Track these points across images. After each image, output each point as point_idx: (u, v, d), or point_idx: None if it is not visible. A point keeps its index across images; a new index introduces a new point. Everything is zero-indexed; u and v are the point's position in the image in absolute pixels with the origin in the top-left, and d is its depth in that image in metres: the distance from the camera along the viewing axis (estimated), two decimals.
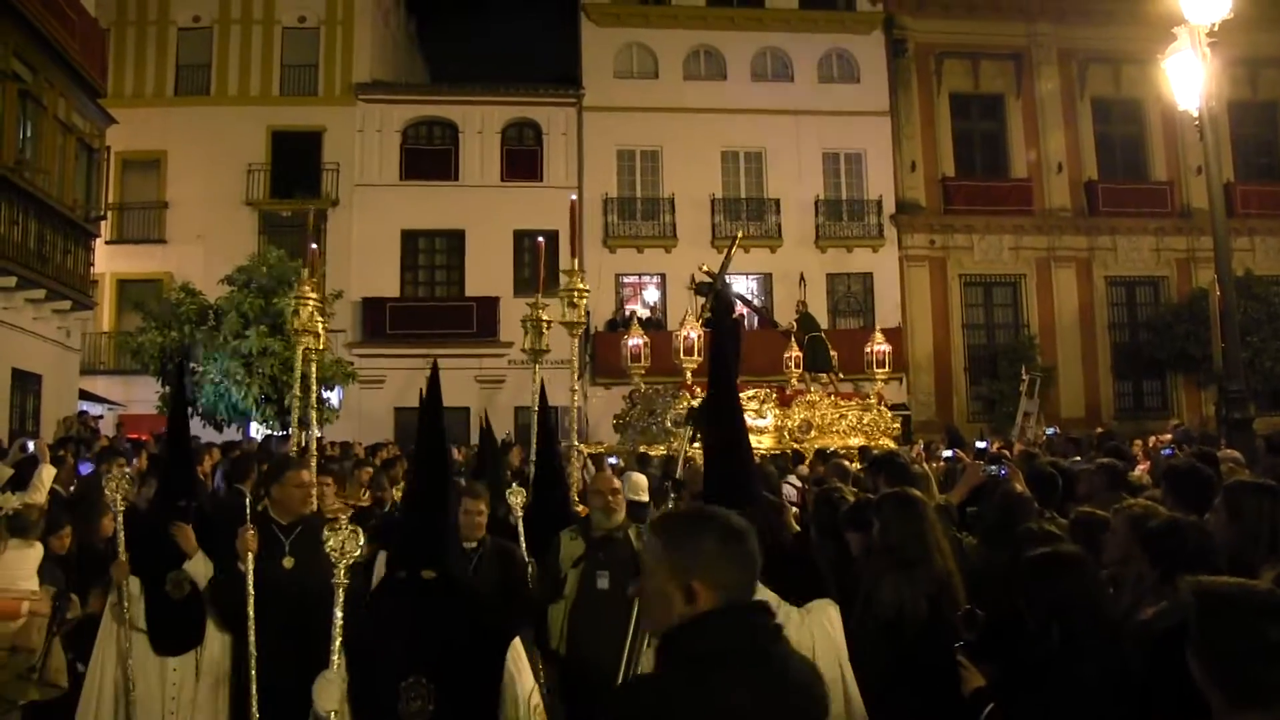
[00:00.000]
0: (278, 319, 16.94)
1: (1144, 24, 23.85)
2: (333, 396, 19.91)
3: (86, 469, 9.51)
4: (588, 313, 7.37)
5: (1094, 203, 27.74)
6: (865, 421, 14.65)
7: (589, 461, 9.94)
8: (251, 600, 4.47)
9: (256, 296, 18.10)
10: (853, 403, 14.91)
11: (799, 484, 9.09)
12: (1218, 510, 3.51)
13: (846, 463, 8.92)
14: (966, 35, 27.71)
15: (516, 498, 5.66)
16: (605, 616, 4.73)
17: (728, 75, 27.05)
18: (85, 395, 20.35)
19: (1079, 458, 10.71)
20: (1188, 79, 10.06)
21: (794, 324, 16.64)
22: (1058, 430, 19.78)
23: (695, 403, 13.52)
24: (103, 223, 20.69)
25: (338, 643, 3.03)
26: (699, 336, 14.14)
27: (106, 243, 22.45)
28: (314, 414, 7.19)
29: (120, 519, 4.84)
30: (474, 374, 24.33)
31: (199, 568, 4.79)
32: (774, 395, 14.26)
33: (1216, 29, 9.35)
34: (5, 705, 5.06)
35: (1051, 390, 25.75)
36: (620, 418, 15.17)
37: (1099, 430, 17.02)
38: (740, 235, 19.06)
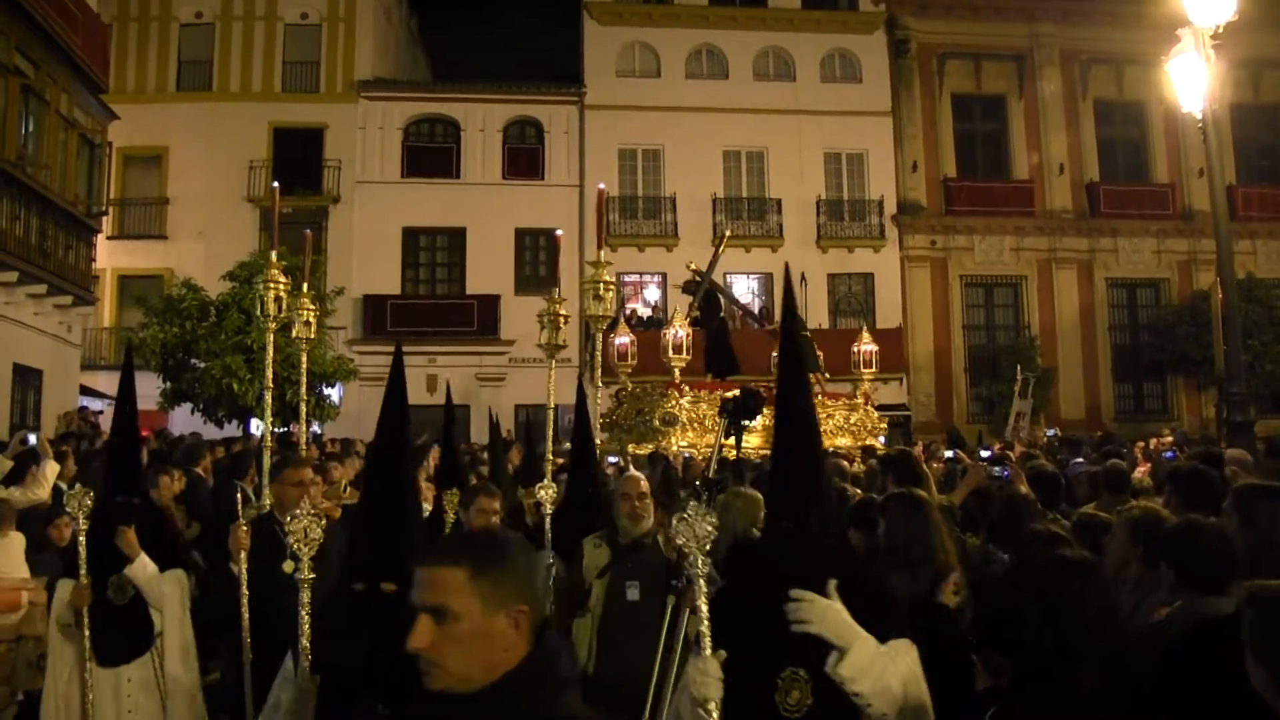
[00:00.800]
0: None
1: (1146, 26, 23.89)
2: (333, 393, 19.89)
3: None
4: (622, 304, 6.97)
5: (1095, 204, 27.73)
6: (852, 421, 14.60)
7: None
8: (246, 602, 4.24)
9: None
10: (839, 403, 14.86)
11: None
12: (1228, 514, 3.48)
13: (845, 463, 8.93)
14: (969, 36, 27.71)
15: (546, 492, 5.33)
16: (635, 631, 4.35)
17: (730, 75, 27.04)
18: (86, 391, 20.35)
19: (1080, 459, 10.73)
20: (1191, 81, 10.05)
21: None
22: (1058, 432, 19.81)
23: (683, 402, 13.47)
24: (104, 218, 20.68)
25: (304, 643, 2.83)
26: (687, 335, 14.03)
27: (108, 238, 22.43)
28: (303, 408, 7.01)
29: (84, 537, 4.43)
30: (474, 372, 24.35)
31: (142, 571, 4.57)
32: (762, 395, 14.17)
33: (1221, 31, 9.34)
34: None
35: (1052, 392, 25.78)
36: (607, 416, 15.01)
37: (1099, 433, 17.04)
38: (729, 234, 18.98)
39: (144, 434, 15.84)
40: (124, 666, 4.64)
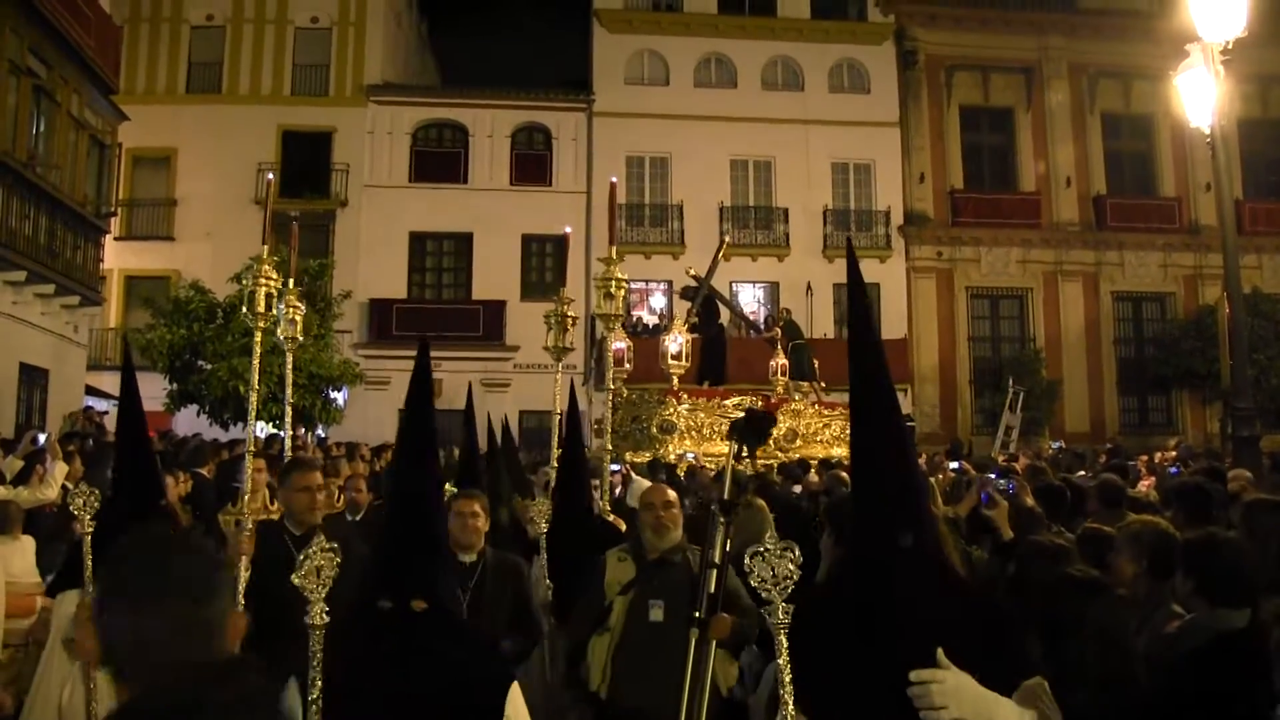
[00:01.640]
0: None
1: (1154, 40, 23.93)
2: (339, 397, 19.92)
3: None
4: (629, 310, 6.41)
5: (1102, 217, 27.72)
6: (849, 432, 14.54)
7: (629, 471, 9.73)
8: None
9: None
10: (836, 411, 14.84)
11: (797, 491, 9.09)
12: (1235, 528, 3.50)
13: (845, 474, 8.92)
14: (977, 48, 27.74)
15: (540, 510, 5.03)
16: (657, 655, 3.94)
17: (738, 83, 27.09)
18: (91, 391, 20.38)
19: (1083, 472, 10.73)
20: (1200, 96, 10.06)
21: (778, 332, 16.58)
22: (1062, 444, 19.79)
23: (681, 409, 13.42)
24: (112, 219, 20.75)
25: (314, 695, 2.34)
26: (686, 342, 14.01)
27: (115, 239, 22.52)
28: (288, 410, 6.61)
29: (88, 542, 4.08)
30: (479, 377, 24.35)
31: None
32: (760, 403, 14.22)
33: (1230, 46, 9.35)
34: None
35: (1056, 405, 25.76)
36: (602, 423, 14.86)
37: (1107, 445, 17.02)
38: (728, 240, 18.90)
39: (150, 435, 15.91)
40: None
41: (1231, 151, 9.87)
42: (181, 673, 1.51)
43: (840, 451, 13.82)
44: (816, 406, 14.95)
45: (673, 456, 12.36)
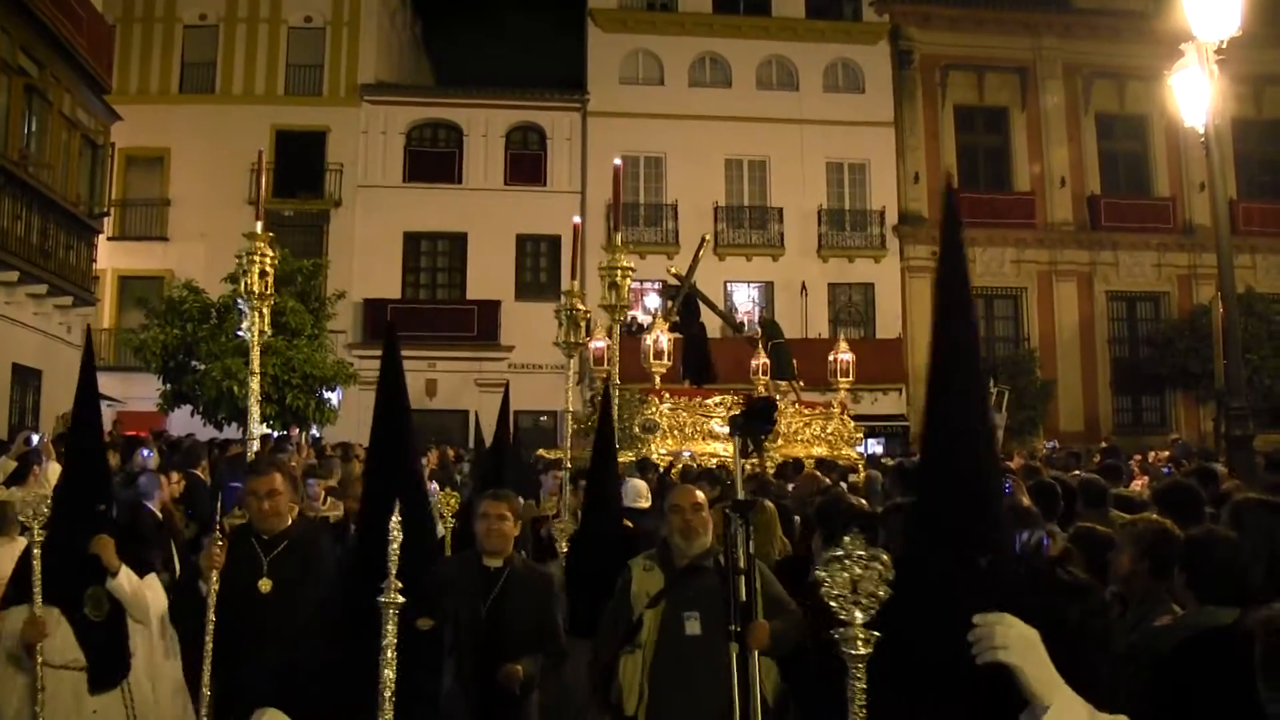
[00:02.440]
0: (279, 316, 16.90)
1: (1148, 40, 23.95)
2: (333, 397, 19.87)
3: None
4: (626, 308, 5.96)
5: (1096, 217, 27.77)
6: (829, 430, 14.55)
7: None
8: (212, 628, 3.67)
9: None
10: (816, 411, 14.82)
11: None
12: (1225, 525, 3.51)
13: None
14: (972, 48, 27.77)
15: (561, 528, 4.78)
16: (697, 672, 3.71)
17: (733, 83, 27.09)
18: None
19: (1078, 471, 10.72)
20: (1194, 96, 10.06)
21: (758, 331, 16.52)
22: (1056, 444, 19.79)
23: (663, 408, 13.34)
24: (105, 219, 20.68)
25: None
26: (668, 341, 13.92)
27: (109, 239, 22.43)
28: (254, 409, 6.41)
29: (37, 551, 3.83)
30: (474, 377, 24.33)
31: (126, 584, 4.05)
32: (741, 402, 14.08)
33: (1225, 46, 9.34)
34: None
35: (1050, 404, 25.78)
36: (581, 423, 14.24)
37: (1102, 444, 17.02)
38: (707, 239, 18.61)
39: (143, 434, 15.86)
40: (93, 697, 4.07)
41: (1226, 151, 9.85)
42: None
43: (819, 450, 13.75)
44: (797, 405, 14.92)
45: (655, 456, 12.24)
